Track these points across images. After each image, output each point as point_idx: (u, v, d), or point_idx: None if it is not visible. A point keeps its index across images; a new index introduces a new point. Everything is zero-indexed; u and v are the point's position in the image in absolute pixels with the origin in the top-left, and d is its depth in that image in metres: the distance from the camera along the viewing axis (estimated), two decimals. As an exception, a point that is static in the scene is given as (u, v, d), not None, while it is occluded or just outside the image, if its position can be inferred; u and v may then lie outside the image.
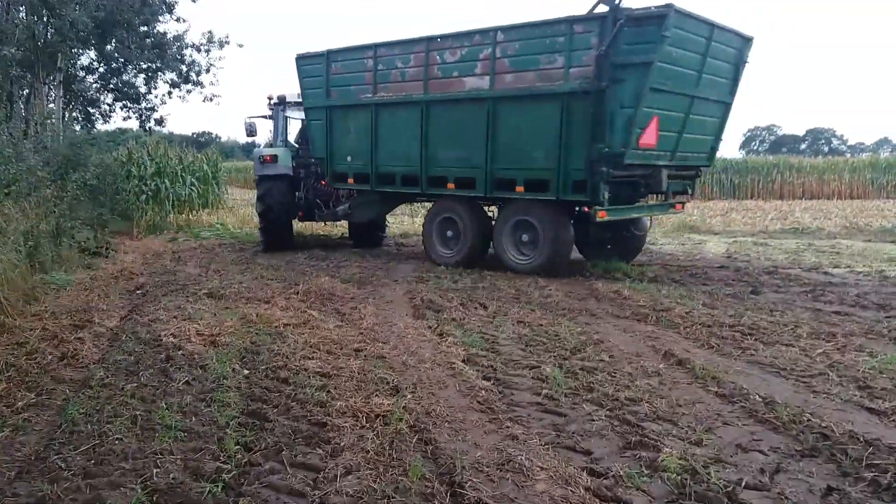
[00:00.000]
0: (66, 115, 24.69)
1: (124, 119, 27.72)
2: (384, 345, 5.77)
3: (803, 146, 74.39)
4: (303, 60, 11.65)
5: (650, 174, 8.85)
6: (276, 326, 6.38)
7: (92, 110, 25.14)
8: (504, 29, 9.10)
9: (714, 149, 9.85)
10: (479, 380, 4.79)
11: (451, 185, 10.07)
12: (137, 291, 8.58)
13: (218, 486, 3.22)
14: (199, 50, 25.99)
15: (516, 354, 5.53)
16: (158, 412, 4.11)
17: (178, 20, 23.36)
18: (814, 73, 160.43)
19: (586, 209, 8.90)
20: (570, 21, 8.37)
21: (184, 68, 25.87)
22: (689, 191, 10.21)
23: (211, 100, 26.65)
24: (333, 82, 11.22)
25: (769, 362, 5.23)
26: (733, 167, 33.21)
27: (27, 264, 8.54)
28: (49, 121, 18.18)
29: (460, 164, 9.94)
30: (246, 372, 4.99)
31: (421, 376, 4.87)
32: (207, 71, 26.47)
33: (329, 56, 11.19)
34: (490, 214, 10.57)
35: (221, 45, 26.19)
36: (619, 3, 7.92)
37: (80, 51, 19.15)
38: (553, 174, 8.84)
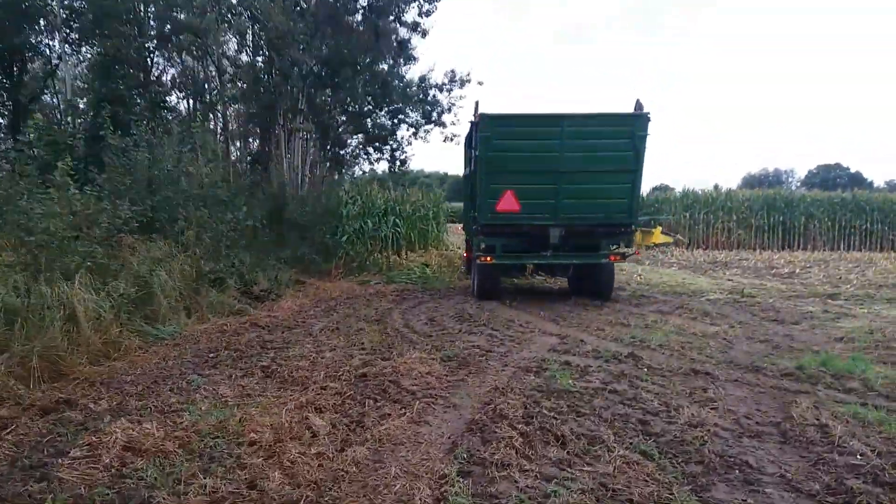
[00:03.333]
0: (318, 158, 25.80)
1: (376, 161, 27.76)
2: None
3: None
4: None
5: (538, 232, 10.67)
6: (241, 444, 4.25)
7: (342, 151, 25.73)
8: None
9: (632, 209, 10.62)
10: None
11: None
12: (211, 355, 7.10)
13: None
14: (441, 89, 25.42)
15: None
16: None
17: (410, 59, 22.82)
18: None
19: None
20: (471, 124, 11.13)
21: (428, 108, 25.49)
22: (623, 243, 11.28)
23: (451, 139, 25.86)
24: None
25: None
26: None
27: (120, 311, 7.66)
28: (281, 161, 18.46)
29: None
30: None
31: None
32: (449, 111, 25.79)
33: None
34: None
35: (462, 83, 25.35)
36: (476, 112, 10.55)
37: (311, 91, 19.40)
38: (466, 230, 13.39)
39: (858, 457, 4.12)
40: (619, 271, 16.89)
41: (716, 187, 32.31)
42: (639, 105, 10.37)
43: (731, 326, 8.74)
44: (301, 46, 17.15)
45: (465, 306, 10.76)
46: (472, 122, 10.90)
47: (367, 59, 18.84)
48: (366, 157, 29.24)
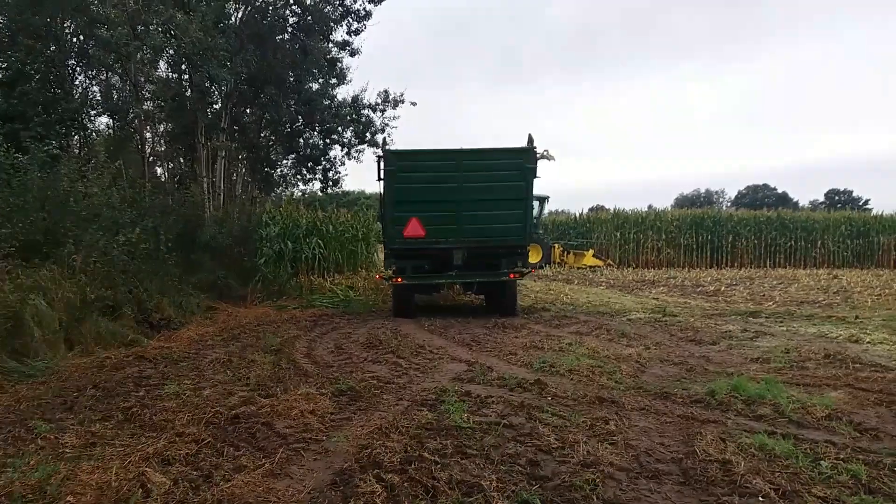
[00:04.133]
0: (248, 179, 24.83)
1: (309, 181, 26.91)
2: None
3: None
4: None
5: (442, 254, 11.53)
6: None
7: (270, 170, 24.76)
8: None
9: (525, 232, 11.55)
10: None
11: None
12: (74, 395, 6.26)
13: None
14: (374, 109, 24.88)
15: None
16: None
17: (341, 78, 22.21)
18: None
19: None
20: (378, 158, 11.51)
21: (360, 128, 24.89)
22: (520, 263, 11.88)
23: (386, 159, 25.26)
24: None
25: None
26: None
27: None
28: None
29: None
30: None
31: None
32: (383, 130, 25.25)
33: None
34: None
35: (396, 103, 24.89)
36: (384, 146, 12.13)
37: (235, 110, 18.61)
38: None
39: (760, 499, 3.67)
40: (546, 291, 16.58)
41: (649, 208, 32.73)
42: (530, 140, 11.26)
43: (647, 348, 8.36)
44: (224, 63, 16.38)
45: (380, 331, 10.13)
46: (378, 157, 11.52)
47: (292, 78, 18.08)
48: (300, 178, 28.40)
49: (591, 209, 40.17)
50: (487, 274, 11.78)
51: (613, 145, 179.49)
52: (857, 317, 11.55)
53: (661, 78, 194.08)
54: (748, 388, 5.93)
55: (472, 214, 11.31)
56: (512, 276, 11.67)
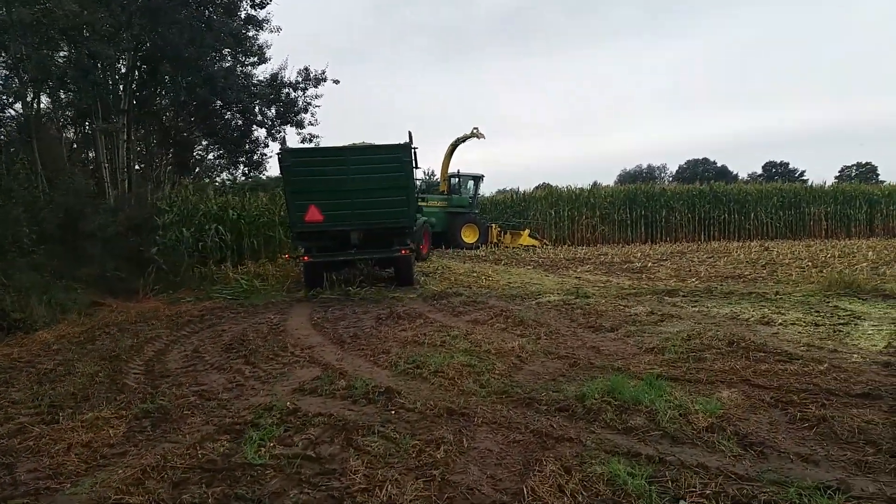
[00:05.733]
0: (159, 163, 23.13)
1: (233, 167, 25.40)
2: None
3: None
4: None
5: (341, 235, 12.85)
6: None
7: (184, 154, 23.08)
8: None
9: (410, 214, 12.83)
10: None
11: None
12: None
13: None
14: (295, 88, 23.40)
15: None
16: None
17: (251, 54, 20.68)
18: None
19: None
20: (278, 154, 12.60)
21: (281, 107, 23.40)
22: (410, 241, 13.22)
23: (311, 140, 23.84)
24: None
25: None
26: None
27: None
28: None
29: None
30: None
31: None
32: (305, 110, 23.81)
33: None
34: None
35: (318, 82, 23.46)
36: (282, 145, 14.42)
37: (132, 89, 16.97)
38: None
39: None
40: (469, 273, 15.59)
41: (595, 184, 32.01)
42: (410, 137, 12.75)
43: (538, 338, 7.38)
44: (109, 38, 14.76)
45: (258, 327, 8.98)
46: (278, 154, 12.59)
47: (189, 54, 16.50)
48: (222, 161, 26.78)
49: (536, 187, 39.39)
50: (382, 251, 13.17)
51: (561, 123, 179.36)
52: (777, 293, 10.85)
53: (605, 54, 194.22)
54: (625, 391, 4.97)
55: (361, 201, 12.54)
56: (404, 251, 13.01)
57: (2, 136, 17.41)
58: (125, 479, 3.67)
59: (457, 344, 7.10)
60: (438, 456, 3.90)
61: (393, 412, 4.85)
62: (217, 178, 26.48)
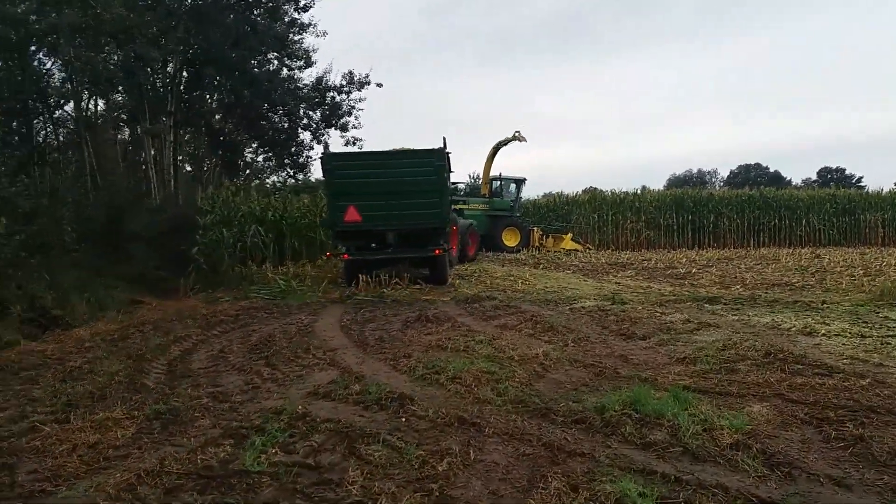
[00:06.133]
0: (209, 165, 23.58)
1: (280, 169, 25.72)
2: None
3: None
4: None
5: (378, 234, 13.45)
6: None
7: (232, 156, 23.42)
8: None
9: (443, 216, 13.45)
10: None
11: None
12: None
13: None
14: (339, 92, 23.55)
15: None
16: None
17: (297, 57, 20.87)
18: None
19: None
20: (320, 158, 13.58)
21: (326, 111, 23.59)
22: (442, 241, 13.63)
23: (354, 143, 23.96)
24: None
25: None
26: None
27: None
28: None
29: None
30: None
31: None
32: (349, 114, 23.96)
33: None
34: None
35: (361, 85, 23.57)
36: (326, 148, 13.86)
37: (180, 91, 17.30)
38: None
39: None
40: (506, 277, 15.34)
41: (643, 188, 31.34)
42: (444, 142, 13.20)
43: (565, 345, 7.12)
44: (155, 42, 15.08)
45: (287, 328, 8.95)
46: (320, 157, 13.38)
47: (234, 57, 16.72)
48: (266, 163, 27.13)
49: (584, 191, 38.78)
50: (417, 250, 13.70)
51: (612, 126, 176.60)
52: (823, 302, 10.29)
53: (658, 56, 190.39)
54: (648, 403, 4.69)
55: (397, 203, 13.01)
56: (437, 251, 13.44)
57: (60, 137, 18.04)
58: (119, 483, 3.60)
59: (480, 349, 6.89)
60: (440, 468, 3.71)
61: (403, 419, 4.68)
62: (267, 181, 26.88)
